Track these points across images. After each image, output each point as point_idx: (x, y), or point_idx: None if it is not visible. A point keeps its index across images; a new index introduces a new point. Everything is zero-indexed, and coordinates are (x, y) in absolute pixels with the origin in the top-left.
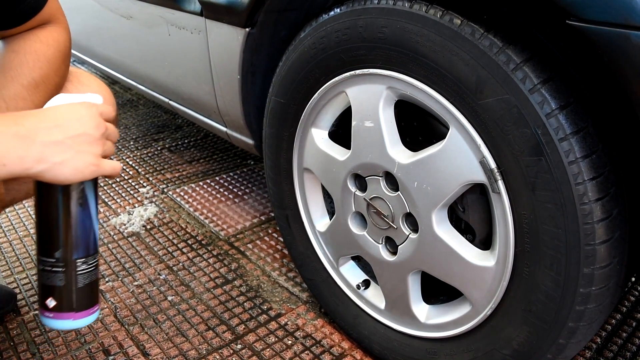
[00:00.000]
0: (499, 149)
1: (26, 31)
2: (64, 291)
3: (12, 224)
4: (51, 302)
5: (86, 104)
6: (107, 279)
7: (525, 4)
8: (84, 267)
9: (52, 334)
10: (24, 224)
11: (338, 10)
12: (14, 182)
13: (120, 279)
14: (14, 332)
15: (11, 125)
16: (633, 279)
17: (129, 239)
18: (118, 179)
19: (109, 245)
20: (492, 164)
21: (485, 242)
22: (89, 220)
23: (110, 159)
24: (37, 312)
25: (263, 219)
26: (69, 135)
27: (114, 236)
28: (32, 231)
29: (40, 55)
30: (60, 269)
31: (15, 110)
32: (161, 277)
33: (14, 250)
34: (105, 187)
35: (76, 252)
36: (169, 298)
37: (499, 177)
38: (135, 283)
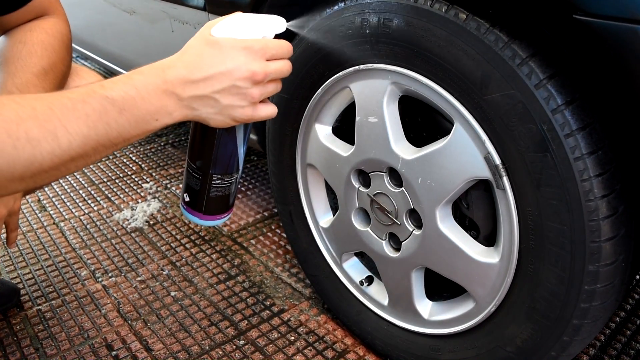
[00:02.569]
0: (504, 145)
1: (29, 23)
2: (197, 194)
3: None
4: (187, 198)
5: (247, 46)
6: (110, 275)
7: None
8: (218, 182)
9: (55, 329)
10: (28, 220)
11: (342, 4)
12: None
13: (123, 274)
14: (17, 327)
15: (160, 81)
16: (638, 277)
17: (132, 234)
18: (121, 175)
19: (112, 240)
20: (497, 160)
21: (489, 239)
22: (232, 144)
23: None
24: (40, 307)
25: (266, 214)
26: (217, 89)
27: (117, 232)
28: (35, 226)
29: (47, 46)
30: (198, 176)
31: None
32: (164, 272)
33: (17, 245)
34: (108, 183)
35: (214, 168)
36: (172, 294)
37: (503, 173)
38: (139, 279)
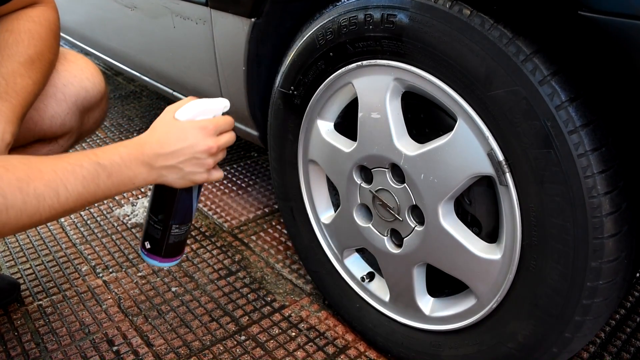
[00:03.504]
0: (508, 141)
1: (17, 12)
2: (158, 242)
3: None
4: (147, 245)
5: (203, 126)
6: (110, 270)
7: None
8: (176, 230)
9: (56, 324)
10: None
11: (346, 0)
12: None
13: (124, 270)
14: (18, 322)
15: (139, 154)
16: (638, 275)
17: (133, 230)
18: None
19: (113, 236)
20: (500, 157)
21: (491, 235)
22: (189, 200)
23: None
24: (40, 302)
25: (267, 211)
26: (181, 160)
27: (118, 227)
28: None
29: (35, 34)
30: (159, 227)
31: (14, 87)
32: (165, 268)
33: (17, 241)
34: None
35: (173, 219)
36: (173, 289)
37: (506, 170)
38: (139, 274)
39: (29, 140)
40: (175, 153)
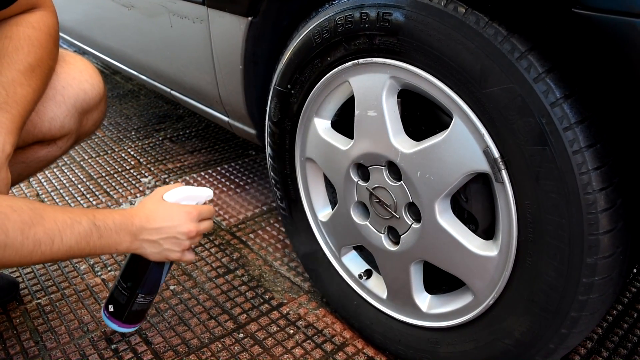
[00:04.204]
0: (503, 139)
1: (16, 17)
2: (122, 307)
3: None
4: (111, 308)
5: (188, 211)
6: (109, 268)
7: None
8: (141, 299)
9: (55, 322)
10: None
11: None
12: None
13: None
14: (17, 320)
15: (129, 223)
16: (635, 270)
17: None
18: (120, 169)
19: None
20: (496, 154)
21: (488, 232)
22: (159, 274)
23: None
24: (39, 300)
25: (265, 209)
26: (162, 237)
27: None
28: None
29: (34, 40)
30: (126, 293)
31: (14, 96)
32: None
33: None
34: (106, 177)
35: (141, 289)
36: (171, 287)
37: (502, 167)
38: None
39: (28, 142)
40: (158, 230)
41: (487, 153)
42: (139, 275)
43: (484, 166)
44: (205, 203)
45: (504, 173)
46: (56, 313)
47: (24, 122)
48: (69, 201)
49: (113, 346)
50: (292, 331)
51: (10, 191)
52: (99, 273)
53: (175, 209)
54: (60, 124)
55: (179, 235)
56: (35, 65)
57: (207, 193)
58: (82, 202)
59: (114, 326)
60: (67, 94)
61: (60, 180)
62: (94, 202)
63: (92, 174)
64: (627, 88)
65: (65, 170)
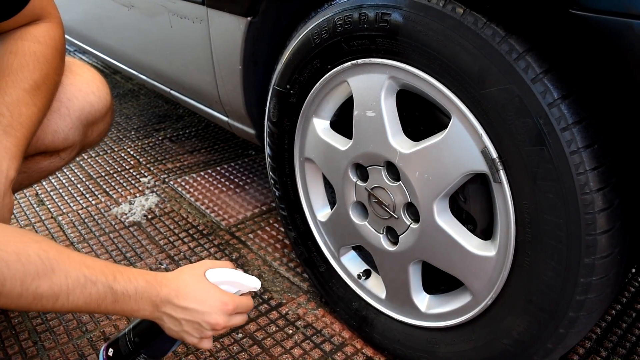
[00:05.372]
0: (501, 139)
1: (20, 30)
2: (121, 357)
3: (14, 215)
4: (110, 352)
5: (225, 301)
6: None
7: None
8: (142, 358)
9: (54, 322)
10: (26, 214)
11: None
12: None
13: None
14: (15, 320)
15: (154, 294)
16: (633, 270)
17: (130, 228)
18: (119, 169)
19: (110, 234)
20: (494, 154)
21: (486, 232)
22: (169, 345)
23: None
24: None
25: (264, 209)
26: (187, 318)
27: (115, 225)
28: (33, 220)
29: (40, 57)
30: (130, 347)
31: (19, 118)
32: (162, 266)
33: None
34: (106, 177)
35: (146, 350)
36: None
37: (500, 167)
38: None
39: (31, 153)
40: (185, 310)
41: (485, 153)
42: (149, 337)
43: (482, 166)
44: (247, 293)
45: (501, 173)
46: (54, 313)
47: (28, 143)
48: (68, 201)
49: None
50: (291, 331)
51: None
52: None
53: (212, 294)
54: (64, 136)
55: (204, 323)
56: (41, 83)
57: (254, 284)
58: (81, 202)
59: None
60: (72, 107)
61: (60, 180)
62: (93, 202)
63: (91, 173)
64: (624, 89)
65: (65, 170)
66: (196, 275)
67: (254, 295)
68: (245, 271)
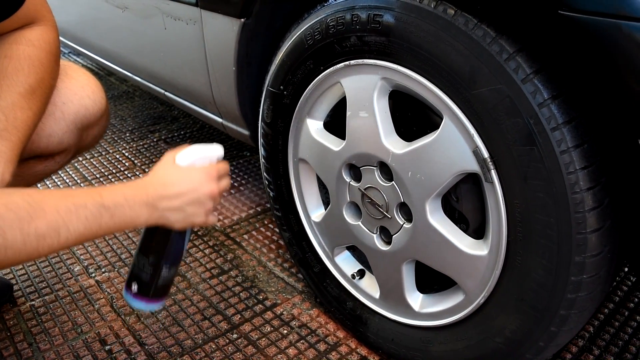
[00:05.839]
0: (492, 139)
1: (14, 34)
2: (147, 284)
3: None
4: (134, 287)
5: (207, 171)
6: (103, 270)
7: None
8: (166, 272)
9: (48, 324)
10: None
11: (333, 0)
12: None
13: (116, 269)
14: (11, 322)
15: (143, 195)
16: (626, 269)
17: (125, 231)
18: (114, 171)
19: (105, 236)
20: (485, 154)
21: (478, 231)
22: (182, 242)
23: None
24: (33, 302)
25: (259, 209)
26: (185, 202)
27: None
28: None
29: (35, 60)
30: (149, 268)
31: (14, 122)
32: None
33: None
34: (101, 179)
35: (165, 261)
36: None
37: (491, 167)
38: None
39: (25, 157)
40: (180, 195)
41: (476, 153)
42: (161, 247)
43: (473, 166)
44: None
45: (493, 173)
46: (50, 315)
47: (24, 147)
48: None
49: (107, 347)
50: (285, 331)
51: None
52: (93, 274)
53: (194, 171)
54: (58, 140)
55: (202, 197)
56: (36, 87)
57: (218, 151)
58: None
59: (140, 305)
60: (67, 111)
61: (55, 182)
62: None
63: (86, 175)
64: (613, 89)
65: (60, 172)
66: (169, 165)
67: (249, 295)
68: (240, 271)
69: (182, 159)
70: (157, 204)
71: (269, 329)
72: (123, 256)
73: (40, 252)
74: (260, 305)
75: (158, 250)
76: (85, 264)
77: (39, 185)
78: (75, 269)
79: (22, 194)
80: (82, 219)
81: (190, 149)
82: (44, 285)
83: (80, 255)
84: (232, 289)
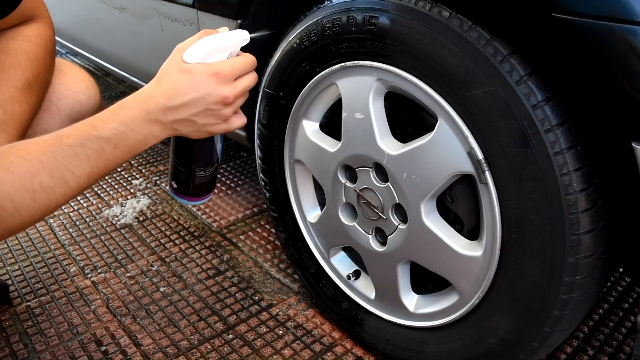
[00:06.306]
0: (487, 140)
1: (12, 30)
2: (184, 183)
3: None
4: (174, 185)
5: (216, 71)
6: (99, 271)
7: None
8: (200, 173)
9: (44, 325)
10: None
11: (329, 2)
12: None
13: (112, 270)
14: (6, 323)
15: (143, 113)
16: (621, 270)
17: (122, 230)
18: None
19: (102, 237)
20: (480, 155)
21: (473, 232)
22: (210, 144)
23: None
24: (29, 303)
25: (256, 210)
26: (193, 112)
27: (107, 228)
28: None
29: (32, 55)
30: (183, 170)
31: (12, 114)
32: (153, 268)
33: (6, 242)
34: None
35: (196, 163)
36: (161, 289)
37: (486, 168)
38: (128, 274)
39: None
40: (185, 105)
41: (471, 155)
42: (189, 151)
43: (468, 167)
44: (240, 52)
45: (487, 174)
46: (45, 315)
47: (21, 140)
48: None
49: (103, 348)
50: (281, 332)
51: None
52: (89, 275)
53: (200, 73)
54: None
55: (213, 105)
56: (32, 82)
57: (241, 37)
58: (72, 204)
59: (183, 201)
60: (62, 106)
61: None
62: (85, 204)
63: None
64: (607, 91)
65: None
66: (174, 65)
67: (245, 296)
68: (236, 272)
69: (191, 55)
70: (162, 118)
71: (264, 330)
72: (119, 257)
73: (57, 203)
74: (256, 306)
75: (186, 154)
76: (82, 265)
77: None
78: (72, 270)
79: (16, 149)
80: (84, 159)
81: (202, 41)
82: (40, 286)
83: (77, 255)
84: (228, 289)
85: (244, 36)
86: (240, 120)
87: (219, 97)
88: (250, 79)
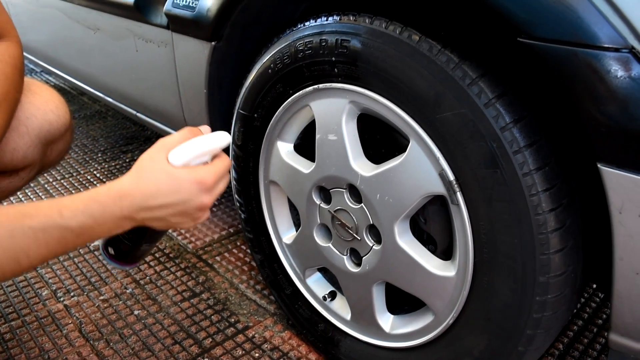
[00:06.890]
0: (457, 162)
1: None
2: (123, 252)
3: None
4: (111, 251)
5: (201, 180)
6: (72, 294)
7: (480, 21)
8: (146, 247)
9: (15, 350)
10: None
11: (302, 25)
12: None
13: (85, 293)
14: None
15: (116, 210)
16: (594, 286)
17: (95, 252)
18: None
19: (75, 259)
20: (451, 176)
21: (446, 253)
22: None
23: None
24: None
25: (232, 231)
26: (169, 214)
27: (80, 250)
28: None
29: (0, 74)
30: (128, 243)
31: None
32: (128, 291)
33: None
34: None
35: (146, 240)
36: (135, 312)
37: (457, 189)
38: (101, 297)
39: None
40: (163, 207)
41: (442, 176)
42: (142, 231)
43: (440, 189)
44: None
45: (459, 195)
46: (16, 340)
47: None
48: None
49: None
50: (257, 354)
51: None
52: (62, 299)
53: (184, 178)
54: (22, 155)
55: (191, 210)
56: (1, 100)
57: (224, 141)
58: None
59: (114, 265)
60: (31, 125)
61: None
62: None
63: (56, 197)
64: (572, 113)
65: (29, 194)
66: (158, 164)
67: (221, 318)
68: (212, 294)
69: (177, 157)
70: (135, 215)
71: (240, 353)
72: (93, 279)
73: (5, 277)
74: (232, 328)
75: (139, 232)
76: (54, 288)
77: (4, 202)
78: (44, 293)
79: None
80: (42, 244)
81: (187, 144)
82: (10, 310)
83: (49, 279)
84: (204, 312)
85: (227, 139)
86: (206, 215)
87: (199, 204)
88: (226, 182)
